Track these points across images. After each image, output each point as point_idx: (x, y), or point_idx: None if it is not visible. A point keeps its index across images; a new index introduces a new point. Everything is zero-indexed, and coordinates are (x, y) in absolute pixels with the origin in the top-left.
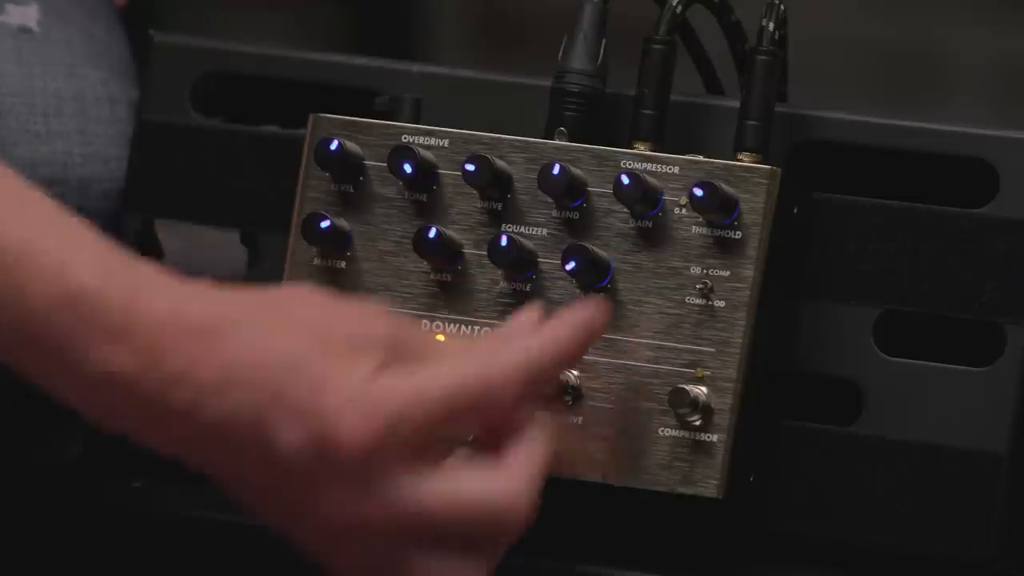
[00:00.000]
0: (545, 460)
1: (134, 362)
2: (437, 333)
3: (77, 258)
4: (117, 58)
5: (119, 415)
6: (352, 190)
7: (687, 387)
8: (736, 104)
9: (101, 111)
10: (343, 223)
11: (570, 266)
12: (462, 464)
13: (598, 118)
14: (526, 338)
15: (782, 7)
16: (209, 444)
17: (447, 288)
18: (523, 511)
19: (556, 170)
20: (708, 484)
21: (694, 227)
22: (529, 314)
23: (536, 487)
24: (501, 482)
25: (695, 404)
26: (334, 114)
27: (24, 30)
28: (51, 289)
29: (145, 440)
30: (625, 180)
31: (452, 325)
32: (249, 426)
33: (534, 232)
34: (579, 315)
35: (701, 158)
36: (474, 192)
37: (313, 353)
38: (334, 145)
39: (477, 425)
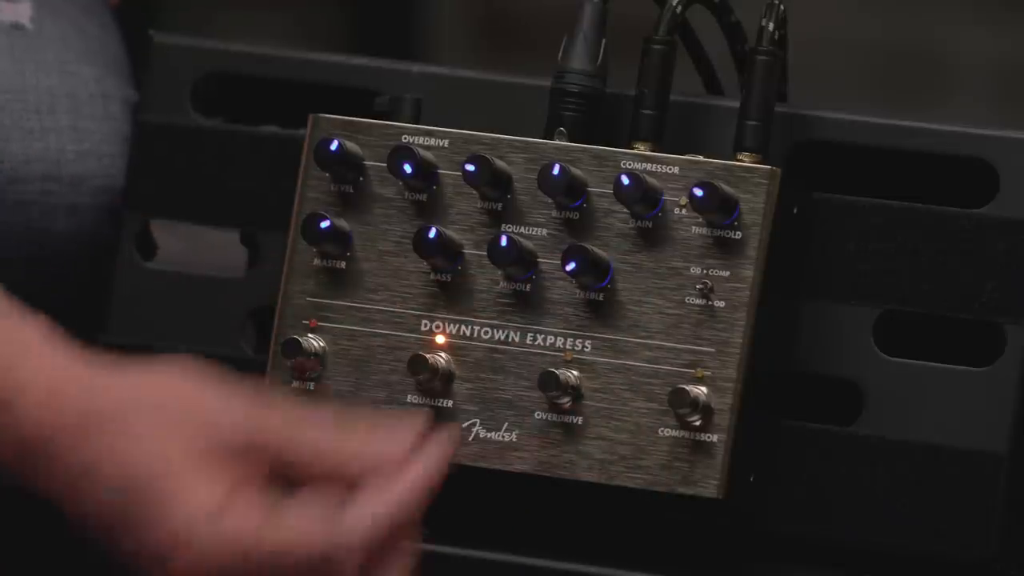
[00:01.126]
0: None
1: (15, 453)
2: (436, 333)
3: None
4: (111, 55)
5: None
6: (352, 190)
7: (687, 387)
8: (736, 104)
9: (94, 108)
10: (343, 223)
11: (570, 266)
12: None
13: (598, 118)
14: (373, 491)
15: (782, 7)
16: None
17: (447, 288)
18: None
19: (556, 170)
20: (708, 484)
21: (694, 227)
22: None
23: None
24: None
25: (695, 404)
26: (334, 114)
27: (17, 27)
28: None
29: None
30: (625, 180)
31: (452, 325)
32: (118, 515)
33: (534, 232)
34: (429, 461)
35: (701, 158)
36: (474, 192)
37: (169, 466)
38: (334, 145)
39: None
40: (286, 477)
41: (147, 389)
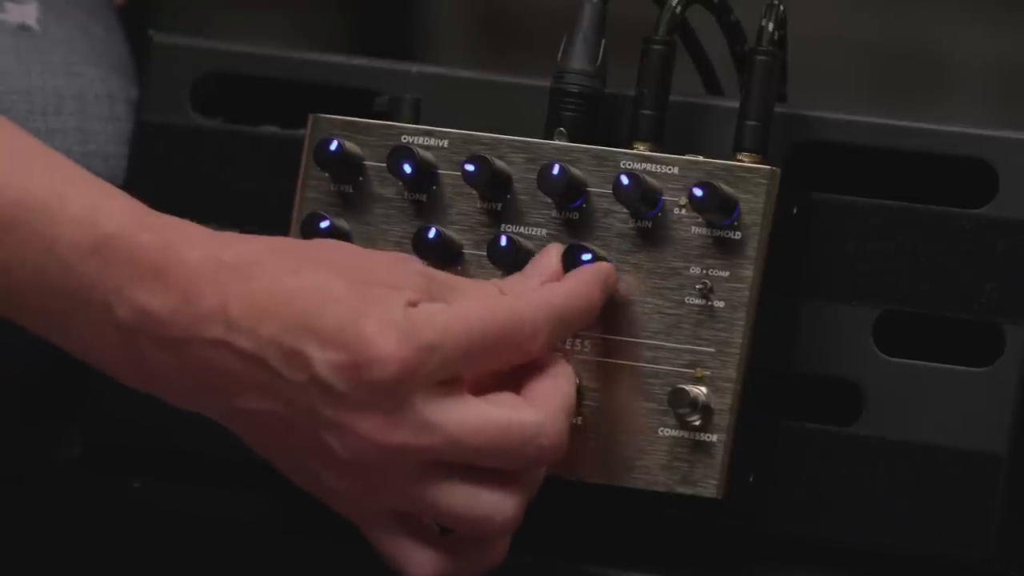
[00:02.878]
0: (570, 396)
1: (167, 302)
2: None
3: (108, 207)
4: (116, 56)
5: (144, 362)
6: (352, 190)
7: (687, 387)
8: (736, 104)
9: (100, 109)
10: (343, 223)
11: (570, 267)
12: (490, 395)
13: (598, 118)
14: (551, 285)
15: (782, 7)
16: (236, 383)
17: None
18: (552, 440)
19: (556, 170)
20: (708, 484)
21: (694, 227)
22: (549, 258)
23: (564, 420)
24: (529, 411)
25: (695, 404)
26: (334, 114)
27: (23, 28)
28: (83, 236)
29: (165, 391)
30: (625, 180)
31: None
32: (281, 356)
33: (534, 232)
34: (593, 272)
35: (701, 158)
36: (474, 192)
37: (347, 287)
38: (334, 145)
39: (504, 362)
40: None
41: (307, 243)
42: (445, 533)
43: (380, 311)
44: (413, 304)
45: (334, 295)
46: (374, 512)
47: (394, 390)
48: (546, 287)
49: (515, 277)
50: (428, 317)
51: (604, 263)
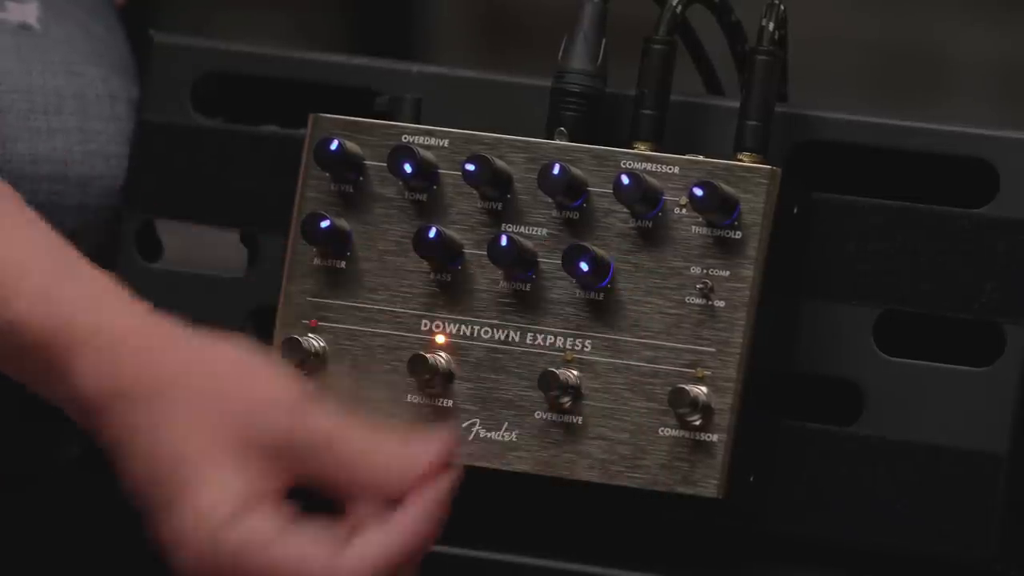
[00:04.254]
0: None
1: (77, 411)
2: (437, 333)
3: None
4: (117, 56)
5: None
6: (352, 190)
7: (687, 387)
8: (736, 104)
9: (101, 108)
10: (343, 223)
11: (582, 266)
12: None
13: (598, 118)
14: (381, 533)
15: (782, 7)
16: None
17: (447, 288)
18: None
19: (556, 170)
20: (708, 484)
21: (694, 227)
22: (416, 459)
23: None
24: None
25: (695, 404)
26: (334, 114)
27: (24, 27)
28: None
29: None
30: (625, 180)
31: (452, 325)
32: (148, 492)
33: (534, 232)
34: (431, 499)
35: (701, 158)
36: (474, 192)
37: (194, 454)
38: (334, 145)
39: None
40: (310, 488)
41: (199, 365)
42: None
43: (199, 504)
44: (249, 499)
45: (183, 460)
46: None
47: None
48: (375, 535)
49: (364, 533)
50: (233, 539)
51: (443, 477)
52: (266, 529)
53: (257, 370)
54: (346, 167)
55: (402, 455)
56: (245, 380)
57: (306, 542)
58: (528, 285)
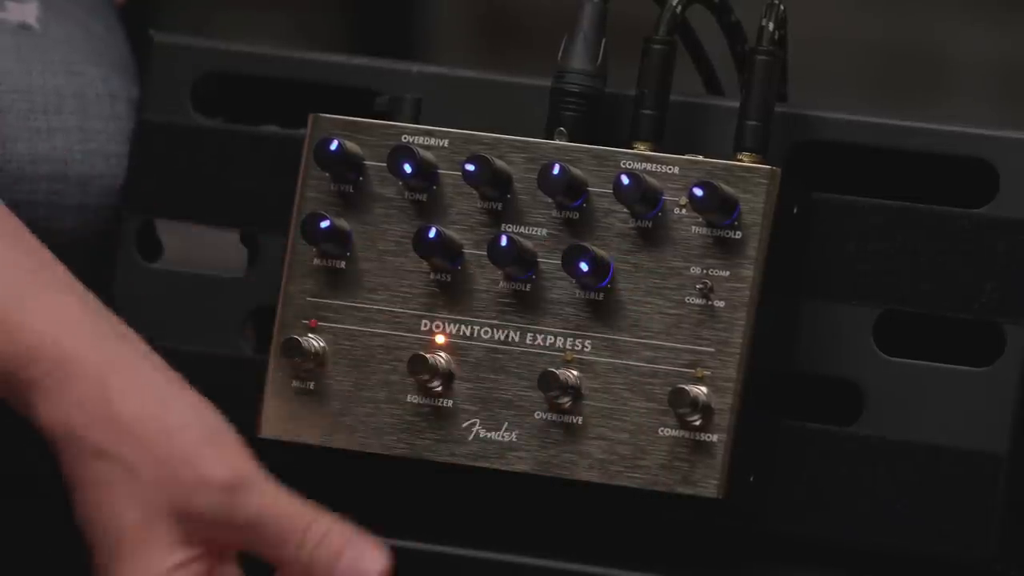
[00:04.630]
0: None
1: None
2: (436, 333)
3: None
4: (117, 55)
5: None
6: (352, 190)
7: (687, 387)
8: (736, 104)
9: (101, 108)
10: (343, 223)
11: (583, 267)
12: None
13: (598, 118)
14: None
15: (782, 7)
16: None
17: (447, 288)
18: None
19: (556, 170)
20: (708, 484)
21: (694, 227)
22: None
23: None
24: None
25: (695, 404)
26: (334, 114)
27: (24, 27)
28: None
29: None
30: (625, 180)
31: (452, 325)
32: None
33: (534, 232)
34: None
35: (701, 158)
36: (474, 192)
37: (129, 530)
38: (334, 145)
39: None
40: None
41: (152, 423)
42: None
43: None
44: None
45: (117, 532)
46: None
47: None
48: None
49: None
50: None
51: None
52: None
53: (203, 445)
54: (346, 167)
55: (333, 531)
56: (190, 451)
57: None
58: (528, 285)
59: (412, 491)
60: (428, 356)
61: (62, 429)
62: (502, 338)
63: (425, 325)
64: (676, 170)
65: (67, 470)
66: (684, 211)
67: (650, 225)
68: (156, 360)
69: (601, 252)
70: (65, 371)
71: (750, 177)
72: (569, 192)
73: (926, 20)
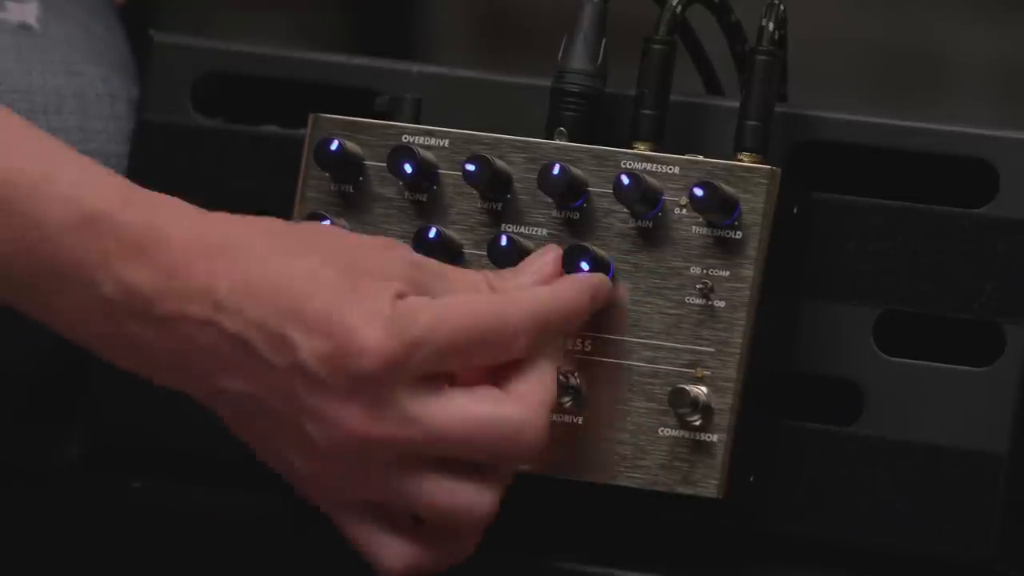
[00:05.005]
0: (552, 393)
1: (153, 279)
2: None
3: (94, 185)
4: (117, 55)
5: (128, 339)
6: (352, 190)
7: (687, 387)
8: (736, 104)
9: (101, 108)
10: (343, 223)
11: (583, 267)
12: (472, 390)
13: (598, 118)
14: (540, 289)
15: (782, 7)
16: (220, 363)
17: None
18: (533, 436)
19: (556, 170)
20: (708, 484)
21: (694, 227)
22: (545, 260)
23: (545, 417)
24: (511, 407)
25: (695, 404)
26: (334, 114)
27: (24, 27)
28: (69, 213)
29: (148, 369)
30: (625, 180)
31: None
32: (266, 339)
33: (534, 232)
34: (586, 280)
35: (701, 158)
36: (474, 192)
37: (337, 274)
38: (334, 145)
39: (486, 360)
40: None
41: (297, 225)
42: (418, 523)
43: (368, 302)
44: (401, 296)
45: (323, 282)
46: (347, 501)
47: (377, 383)
48: (535, 290)
49: (507, 273)
50: (414, 312)
51: (599, 275)
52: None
53: (354, 234)
54: (346, 167)
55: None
56: (349, 235)
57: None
58: None
59: None
60: None
61: (197, 245)
62: None
63: None
64: (676, 170)
65: (213, 278)
66: (684, 211)
67: (650, 225)
68: None
69: (601, 252)
70: (170, 203)
71: (750, 177)
72: (569, 192)
73: (926, 20)
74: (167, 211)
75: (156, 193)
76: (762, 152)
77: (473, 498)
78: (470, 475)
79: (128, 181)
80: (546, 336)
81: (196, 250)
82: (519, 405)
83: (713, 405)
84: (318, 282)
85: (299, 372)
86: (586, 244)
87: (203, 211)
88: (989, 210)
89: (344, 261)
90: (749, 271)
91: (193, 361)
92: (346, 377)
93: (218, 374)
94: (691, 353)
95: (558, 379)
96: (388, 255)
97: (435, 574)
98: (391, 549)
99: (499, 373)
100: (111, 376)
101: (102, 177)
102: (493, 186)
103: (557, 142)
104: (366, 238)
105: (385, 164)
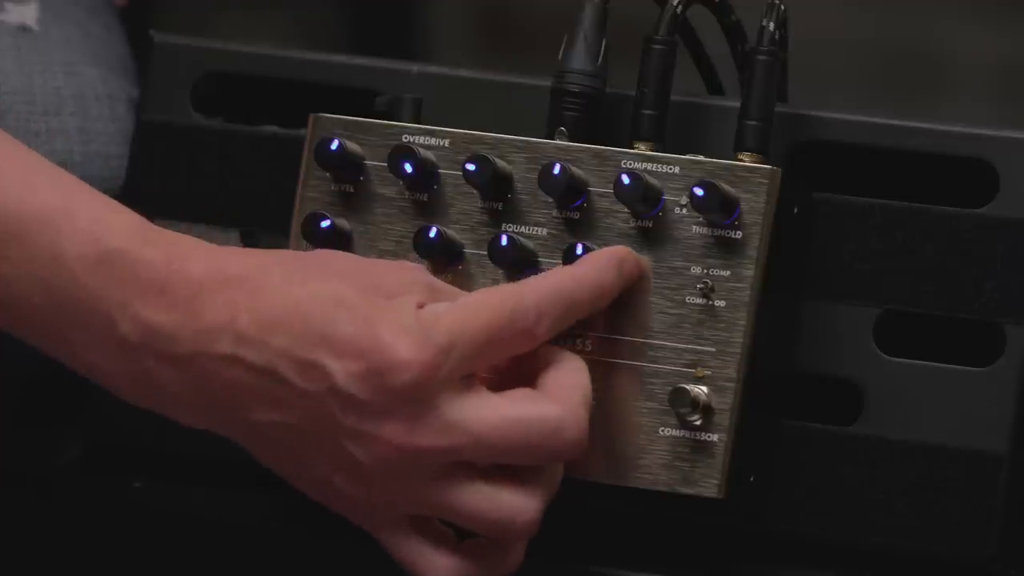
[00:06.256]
0: (587, 388)
1: (173, 317)
2: None
3: (113, 222)
4: (116, 56)
5: (150, 378)
6: (352, 190)
7: (687, 387)
8: (736, 104)
9: (101, 109)
10: (343, 223)
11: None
12: (508, 392)
13: (598, 118)
14: (559, 268)
15: (782, 7)
16: (247, 396)
17: None
18: (574, 433)
19: (557, 170)
20: (708, 484)
21: (694, 227)
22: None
23: (584, 413)
24: (549, 405)
25: (695, 404)
26: (335, 114)
27: (23, 28)
28: (87, 250)
29: (173, 408)
30: (625, 180)
31: None
32: (296, 367)
33: (534, 232)
34: (608, 253)
35: (702, 158)
36: (474, 192)
37: (357, 294)
38: (334, 145)
39: (514, 350)
40: None
41: (309, 253)
42: (463, 538)
43: (393, 316)
44: (420, 306)
45: (345, 304)
46: (393, 519)
47: (415, 394)
48: (553, 271)
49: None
50: (437, 318)
51: (622, 247)
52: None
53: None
54: (346, 167)
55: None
56: (360, 259)
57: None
58: None
59: None
60: None
61: (216, 275)
62: None
63: None
64: (677, 170)
65: (236, 307)
66: (685, 211)
67: (651, 225)
68: None
69: None
70: (188, 241)
71: (751, 177)
72: (570, 192)
73: (926, 20)
74: (184, 247)
75: (172, 232)
76: (762, 152)
77: (517, 506)
78: (513, 482)
79: (143, 219)
80: (570, 315)
81: (214, 284)
82: (557, 402)
83: (713, 405)
84: (340, 305)
85: (335, 396)
86: (587, 244)
87: (218, 247)
88: (989, 210)
89: (362, 283)
90: (749, 271)
91: (220, 398)
92: (384, 394)
93: (249, 408)
94: (691, 353)
95: None
96: (403, 275)
97: None
98: (435, 564)
99: (533, 370)
100: None
101: (120, 213)
102: (493, 186)
103: (557, 142)
104: (380, 260)
105: (385, 164)
